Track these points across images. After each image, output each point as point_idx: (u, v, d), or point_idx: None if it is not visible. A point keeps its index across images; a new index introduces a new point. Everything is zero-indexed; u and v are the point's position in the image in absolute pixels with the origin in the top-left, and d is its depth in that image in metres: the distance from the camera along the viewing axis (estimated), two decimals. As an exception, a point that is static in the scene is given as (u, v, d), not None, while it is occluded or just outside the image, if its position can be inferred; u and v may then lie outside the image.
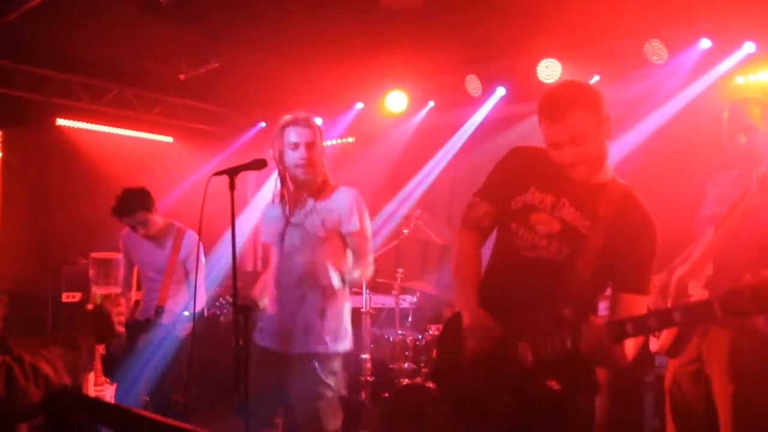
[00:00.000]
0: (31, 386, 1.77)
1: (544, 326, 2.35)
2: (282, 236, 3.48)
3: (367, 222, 3.52)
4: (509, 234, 2.55)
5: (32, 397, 1.77)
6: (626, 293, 2.40)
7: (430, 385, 4.79)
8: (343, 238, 3.49)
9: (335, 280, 3.45)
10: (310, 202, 3.46)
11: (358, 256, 3.54)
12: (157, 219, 4.79)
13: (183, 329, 4.70)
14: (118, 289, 2.21)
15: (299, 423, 3.43)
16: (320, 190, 3.48)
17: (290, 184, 3.48)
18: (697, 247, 3.43)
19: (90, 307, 2.15)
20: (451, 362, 2.66)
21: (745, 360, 3.25)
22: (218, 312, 4.51)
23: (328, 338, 3.39)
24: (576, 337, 2.26)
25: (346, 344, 3.49)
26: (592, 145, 2.38)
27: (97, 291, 2.17)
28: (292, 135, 3.40)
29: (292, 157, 3.40)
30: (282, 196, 3.53)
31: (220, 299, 4.26)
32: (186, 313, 4.68)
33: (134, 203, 4.65)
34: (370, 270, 3.60)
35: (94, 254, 2.23)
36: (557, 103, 2.39)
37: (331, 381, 3.38)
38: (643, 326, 2.21)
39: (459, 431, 2.64)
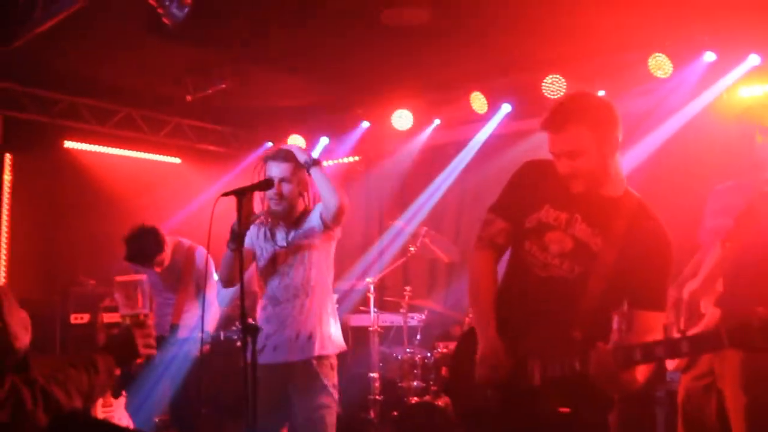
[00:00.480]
0: (39, 411, 1.76)
1: (554, 347, 2.34)
2: (274, 260, 3.65)
3: None
4: (522, 253, 2.54)
5: (39, 421, 1.76)
6: (643, 310, 2.36)
7: (440, 403, 4.76)
8: (327, 244, 3.65)
9: (328, 287, 3.67)
10: (292, 228, 3.64)
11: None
12: (168, 249, 4.78)
13: (198, 349, 4.68)
14: (145, 310, 2.22)
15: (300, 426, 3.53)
16: (297, 221, 3.65)
17: (267, 213, 3.65)
18: (706, 262, 3.40)
19: (115, 330, 2.18)
20: (463, 379, 2.64)
21: (759, 372, 3.22)
22: (235, 336, 4.51)
23: (328, 341, 3.57)
24: (584, 361, 2.24)
25: (341, 342, 3.69)
26: (589, 161, 2.35)
27: (124, 313, 2.19)
28: (271, 169, 3.55)
29: (272, 189, 3.55)
30: (266, 221, 3.71)
31: (237, 323, 4.30)
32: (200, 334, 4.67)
33: (150, 250, 4.64)
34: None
35: (118, 278, 2.25)
36: (559, 115, 2.38)
37: (330, 386, 3.52)
38: (650, 354, 2.18)
39: None
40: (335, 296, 3.83)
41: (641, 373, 2.30)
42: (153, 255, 4.63)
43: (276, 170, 3.53)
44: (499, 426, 2.49)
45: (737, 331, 1.98)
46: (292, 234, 3.63)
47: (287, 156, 3.56)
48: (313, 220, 3.59)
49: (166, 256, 4.73)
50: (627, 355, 2.18)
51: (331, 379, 3.53)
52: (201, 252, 4.86)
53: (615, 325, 2.48)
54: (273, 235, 3.66)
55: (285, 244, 3.62)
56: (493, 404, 2.48)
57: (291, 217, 3.64)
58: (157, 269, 4.74)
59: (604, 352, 2.19)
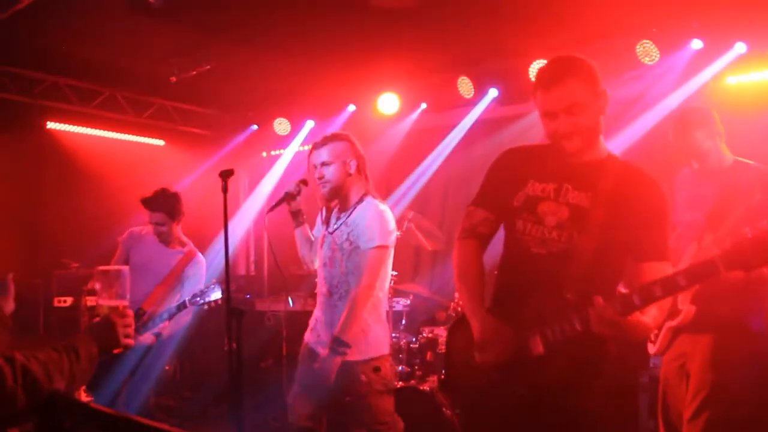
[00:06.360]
0: (19, 390, 1.73)
1: (550, 314, 2.33)
2: (322, 244, 3.68)
3: (384, 241, 3.52)
4: (517, 233, 2.51)
5: (19, 401, 1.73)
6: (645, 262, 2.36)
7: (424, 387, 4.77)
8: None
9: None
10: (343, 215, 3.62)
11: (360, 277, 3.47)
12: (175, 230, 4.86)
13: (158, 327, 4.64)
14: (125, 302, 2.17)
15: (340, 421, 3.52)
16: (345, 202, 3.64)
17: (321, 198, 3.71)
18: (683, 259, 3.39)
19: (96, 318, 2.13)
20: (461, 368, 2.64)
21: (729, 353, 3.26)
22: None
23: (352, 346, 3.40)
24: (584, 319, 2.23)
25: (371, 351, 3.49)
26: (587, 116, 2.38)
27: (104, 303, 2.14)
28: (313, 157, 3.64)
29: (316, 176, 3.63)
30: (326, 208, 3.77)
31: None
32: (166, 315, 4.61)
33: (161, 203, 4.75)
34: (362, 297, 3.43)
35: (100, 267, 2.19)
36: (554, 72, 2.41)
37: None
38: (649, 295, 2.15)
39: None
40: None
41: (655, 317, 2.31)
42: (159, 207, 4.75)
43: (316, 157, 3.61)
44: (503, 403, 2.45)
45: (730, 254, 2.01)
46: (342, 216, 3.61)
47: (326, 140, 3.63)
48: (363, 224, 3.50)
49: (168, 226, 4.77)
50: (626, 301, 2.15)
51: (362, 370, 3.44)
52: (198, 260, 4.87)
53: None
54: (328, 219, 3.70)
55: (332, 229, 3.62)
56: (496, 386, 2.45)
57: (344, 200, 3.64)
58: (154, 230, 4.78)
59: (602, 306, 2.15)
